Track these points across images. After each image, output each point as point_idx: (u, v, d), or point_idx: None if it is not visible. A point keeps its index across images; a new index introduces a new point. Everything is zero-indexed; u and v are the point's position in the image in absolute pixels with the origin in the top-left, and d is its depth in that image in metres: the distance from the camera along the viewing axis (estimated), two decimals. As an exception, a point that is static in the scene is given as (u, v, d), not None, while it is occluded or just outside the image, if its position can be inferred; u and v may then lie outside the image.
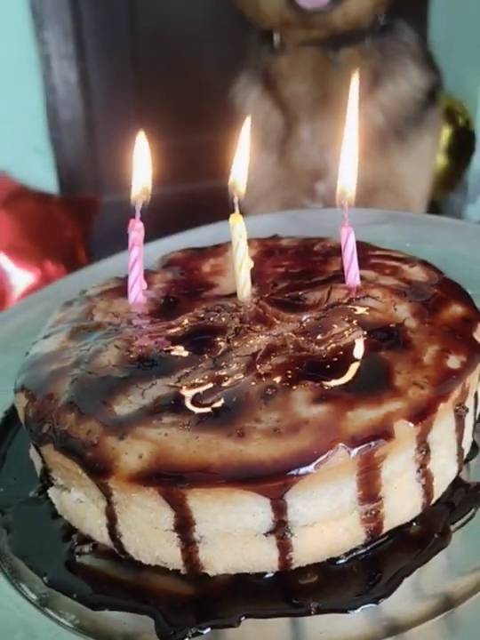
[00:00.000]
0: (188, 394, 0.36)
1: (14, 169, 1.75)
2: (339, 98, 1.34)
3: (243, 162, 0.44)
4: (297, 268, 0.47)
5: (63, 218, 1.65)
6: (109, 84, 1.91)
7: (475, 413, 0.40)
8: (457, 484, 0.39)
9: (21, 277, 1.52)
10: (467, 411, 0.38)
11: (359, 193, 0.43)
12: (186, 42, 1.89)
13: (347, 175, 0.43)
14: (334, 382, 0.36)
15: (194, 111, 1.90)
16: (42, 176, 1.84)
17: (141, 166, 0.45)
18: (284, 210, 1.42)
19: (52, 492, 0.39)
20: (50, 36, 1.79)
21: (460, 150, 1.94)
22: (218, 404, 0.35)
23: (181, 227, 0.73)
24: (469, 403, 0.39)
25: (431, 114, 1.40)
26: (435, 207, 1.76)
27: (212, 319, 0.42)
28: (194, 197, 1.74)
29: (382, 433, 0.34)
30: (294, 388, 0.36)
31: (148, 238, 0.47)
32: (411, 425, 0.34)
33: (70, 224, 1.65)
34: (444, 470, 0.38)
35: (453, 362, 0.37)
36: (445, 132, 1.89)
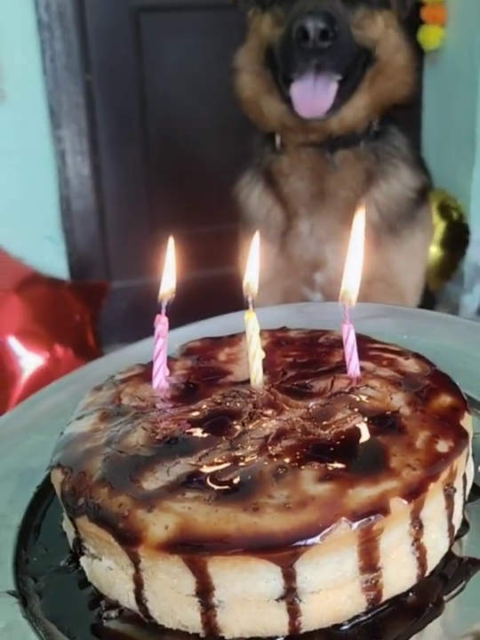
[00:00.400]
0: (208, 471, 0.41)
1: (28, 256, 1.83)
2: (335, 195, 1.44)
3: (255, 267, 0.50)
4: (304, 358, 0.52)
5: (73, 302, 1.70)
6: (120, 177, 2.01)
7: (464, 493, 0.44)
8: (449, 557, 0.43)
9: (31, 360, 1.56)
10: (455, 490, 0.42)
11: None
12: (193, 140, 2.01)
13: (350, 280, 0.48)
14: (337, 463, 0.40)
15: (200, 204, 1.99)
16: (54, 263, 1.92)
17: (170, 269, 0.51)
18: (284, 298, 1.49)
19: (83, 560, 0.43)
20: (65, 134, 1.90)
21: (454, 242, 2.03)
22: (235, 482, 0.40)
23: (191, 312, 0.79)
24: (458, 483, 0.43)
25: (422, 211, 1.49)
26: (431, 297, 1.81)
27: (228, 404, 0.47)
28: (202, 284, 1.81)
29: (379, 509, 0.38)
30: (302, 467, 0.40)
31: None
32: (404, 502, 0.38)
33: (80, 308, 1.70)
34: (437, 544, 0.42)
35: (442, 446, 0.41)
36: (440, 226, 1.98)
